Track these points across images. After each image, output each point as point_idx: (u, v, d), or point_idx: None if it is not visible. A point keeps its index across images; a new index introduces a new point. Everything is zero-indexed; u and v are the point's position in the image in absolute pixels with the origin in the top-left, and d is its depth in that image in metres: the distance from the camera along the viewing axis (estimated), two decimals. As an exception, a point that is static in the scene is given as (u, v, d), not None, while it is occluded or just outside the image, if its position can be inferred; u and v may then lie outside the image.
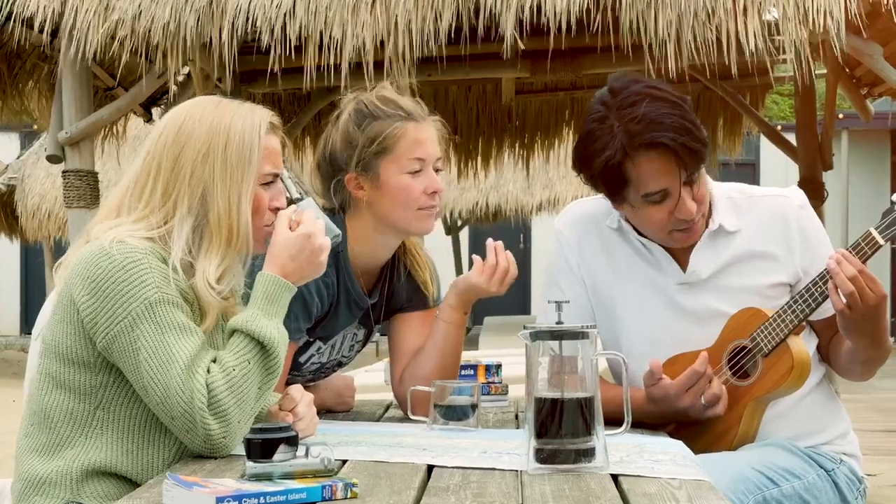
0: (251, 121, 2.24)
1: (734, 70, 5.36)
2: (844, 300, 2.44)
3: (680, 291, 2.64)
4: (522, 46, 5.43)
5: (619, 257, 2.69)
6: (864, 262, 2.47)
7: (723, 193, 2.68)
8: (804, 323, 2.56)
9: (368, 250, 2.71)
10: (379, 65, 5.42)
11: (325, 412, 2.87)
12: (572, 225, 2.76)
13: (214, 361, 2.12)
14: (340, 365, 2.93)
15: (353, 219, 2.71)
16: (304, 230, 2.18)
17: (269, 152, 2.27)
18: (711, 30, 5.31)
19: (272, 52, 5.51)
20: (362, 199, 2.68)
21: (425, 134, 2.68)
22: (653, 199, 2.53)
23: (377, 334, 2.94)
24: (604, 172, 2.51)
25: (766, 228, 2.65)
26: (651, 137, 2.46)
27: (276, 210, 2.29)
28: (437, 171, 2.69)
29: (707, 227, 2.64)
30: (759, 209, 2.67)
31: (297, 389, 2.30)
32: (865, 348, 2.59)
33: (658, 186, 2.50)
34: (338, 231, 2.36)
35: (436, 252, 2.97)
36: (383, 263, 2.80)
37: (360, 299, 2.76)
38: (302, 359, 2.77)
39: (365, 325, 2.85)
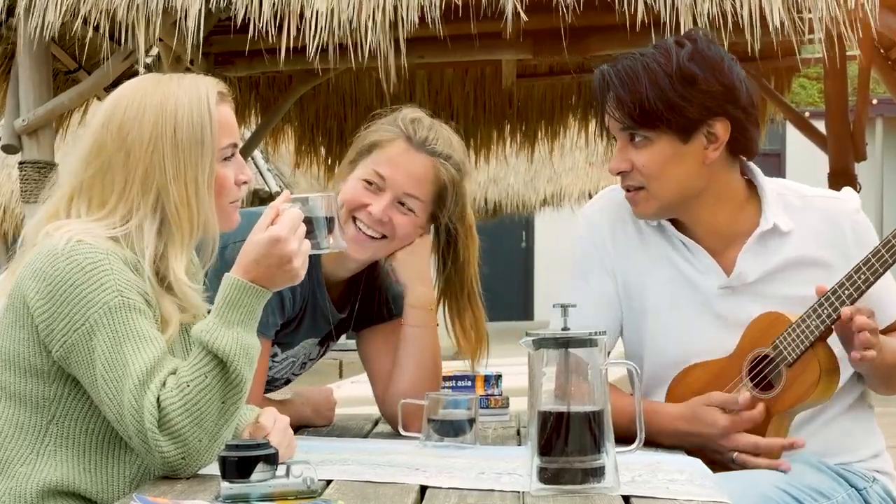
0: (197, 97, 2.24)
1: (757, 50, 5.37)
2: (861, 353, 2.48)
3: (721, 296, 2.64)
4: (525, 19, 5.42)
5: (655, 253, 2.69)
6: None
7: (773, 190, 2.68)
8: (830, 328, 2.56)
9: (333, 256, 2.69)
10: (366, 45, 5.41)
11: (305, 427, 2.88)
12: (604, 211, 2.75)
13: (176, 373, 2.11)
14: (288, 382, 2.97)
15: None
16: (273, 234, 2.14)
17: (223, 124, 2.27)
18: (732, 5, 5.31)
19: (250, 29, 5.50)
20: None
21: (408, 161, 2.70)
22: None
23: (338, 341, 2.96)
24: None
25: (821, 233, 2.65)
26: (601, 69, 2.62)
27: (243, 184, 2.31)
28: (403, 205, 2.69)
29: (756, 225, 2.63)
30: (813, 211, 2.68)
31: (268, 417, 2.28)
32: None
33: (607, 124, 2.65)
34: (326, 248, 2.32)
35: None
36: (349, 277, 2.82)
37: (328, 310, 2.78)
38: None
39: (322, 342, 2.89)
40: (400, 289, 2.85)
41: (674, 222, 2.69)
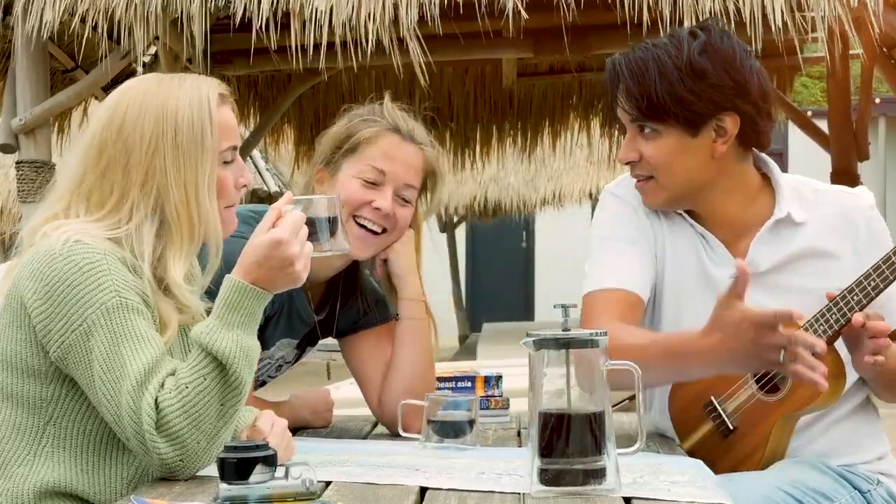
0: (198, 99, 2.24)
1: (759, 49, 5.37)
2: (874, 358, 2.47)
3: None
4: (526, 17, 5.42)
5: (676, 238, 2.69)
6: None
7: (787, 182, 2.69)
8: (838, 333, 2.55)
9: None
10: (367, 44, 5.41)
11: (304, 429, 2.88)
12: (630, 191, 2.73)
13: (174, 374, 2.11)
14: (263, 384, 2.96)
15: None
16: (275, 236, 2.13)
17: (224, 127, 2.27)
18: (734, 3, 5.31)
19: (253, 27, 5.50)
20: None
21: (402, 153, 2.71)
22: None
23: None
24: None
25: (834, 226, 2.66)
26: (613, 58, 2.63)
27: (242, 187, 2.31)
28: (402, 198, 2.71)
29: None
30: (826, 204, 2.68)
31: (266, 421, 2.28)
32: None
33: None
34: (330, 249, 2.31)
35: (429, 251, 2.97)
36: (329, 278, 2.82)
37: (304, 311, 2.77)
38: None
39: (300, 345, 2.88)
40: (382, 293, 2.86)
41: (689, 213, 2.69)
